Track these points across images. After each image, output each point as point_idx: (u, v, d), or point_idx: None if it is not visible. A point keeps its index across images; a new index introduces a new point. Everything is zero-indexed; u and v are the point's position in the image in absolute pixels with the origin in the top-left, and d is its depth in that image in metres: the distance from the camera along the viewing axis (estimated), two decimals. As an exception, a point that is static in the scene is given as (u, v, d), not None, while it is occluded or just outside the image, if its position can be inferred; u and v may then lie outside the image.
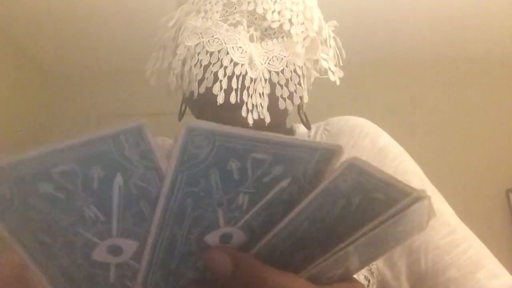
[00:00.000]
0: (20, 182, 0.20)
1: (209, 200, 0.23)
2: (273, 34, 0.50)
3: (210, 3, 0.50)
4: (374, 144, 0.53)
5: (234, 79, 0.46)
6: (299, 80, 0.49)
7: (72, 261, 0.23)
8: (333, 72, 0.51)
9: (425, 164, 0.55)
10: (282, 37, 0.50)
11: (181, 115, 0.58)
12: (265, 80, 0.48)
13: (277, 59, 0.48)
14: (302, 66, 0.50)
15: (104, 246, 0.23)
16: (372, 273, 0.47)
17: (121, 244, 0.23)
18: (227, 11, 0.50)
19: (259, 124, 0.47)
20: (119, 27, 2.17)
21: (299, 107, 0.57)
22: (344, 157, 0.25)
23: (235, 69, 0.46)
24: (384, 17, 2.04)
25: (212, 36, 0.48)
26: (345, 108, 0.90)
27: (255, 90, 0.47)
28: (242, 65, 0.46)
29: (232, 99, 0.46)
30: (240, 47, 0.47)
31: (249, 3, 0.49)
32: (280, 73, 0.48)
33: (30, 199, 0.20)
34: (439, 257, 0.43)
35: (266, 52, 0.49)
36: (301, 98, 0.50)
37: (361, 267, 0.30)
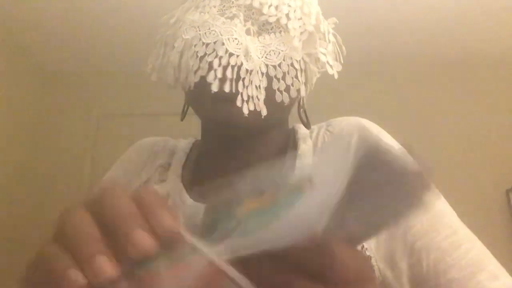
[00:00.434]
0: None
1: None
2: (271, 29, 0.50)
3: None
4: None
5: (229, 69, 0.46)
6: (296, 74, 0.49)
7: None
8: (331, 66, 0.51)
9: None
10: (280, 31, 0.49)
11: (183, 114, 0.58)
12: (262, 73, 0.48)
13: (274, 53, 0.48)
14: (300, 61, 0.49)
15: None
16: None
17: None
18: (224, 5, 0.50)
19: (255, 116, 0.47)
20: (119, 27, 2.17)
21: (299, 106, 0.57)
22: (348, 156, 0.24)
23: (230, 60, 0.46)
24: (384, 17, 2.04)
25: (209, 29, 0.48)
26: (347, 108, 0.90)
27: (251, 82, 0.47)
28: (238, 56, 0.46)
29: (227, 88, 0.45)
30: (236, 39, 0.47)
31: None
32: (277, 67, 0.48)
33: None
34: (440, 258, 0.43)
35: (264, 46, 0.48)
36: (298, 91, 0.49)
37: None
